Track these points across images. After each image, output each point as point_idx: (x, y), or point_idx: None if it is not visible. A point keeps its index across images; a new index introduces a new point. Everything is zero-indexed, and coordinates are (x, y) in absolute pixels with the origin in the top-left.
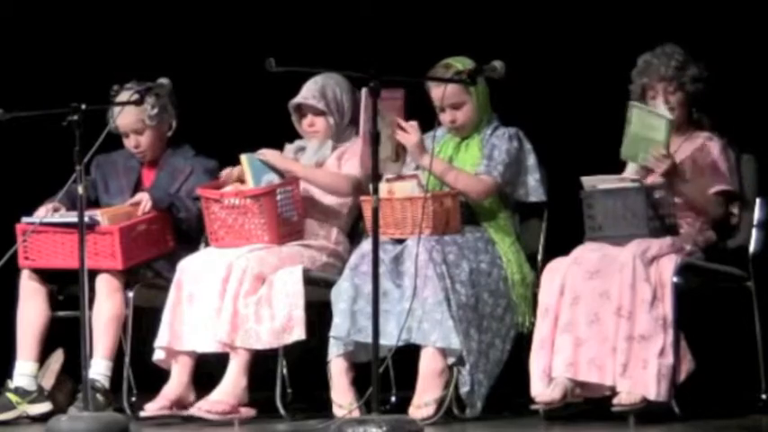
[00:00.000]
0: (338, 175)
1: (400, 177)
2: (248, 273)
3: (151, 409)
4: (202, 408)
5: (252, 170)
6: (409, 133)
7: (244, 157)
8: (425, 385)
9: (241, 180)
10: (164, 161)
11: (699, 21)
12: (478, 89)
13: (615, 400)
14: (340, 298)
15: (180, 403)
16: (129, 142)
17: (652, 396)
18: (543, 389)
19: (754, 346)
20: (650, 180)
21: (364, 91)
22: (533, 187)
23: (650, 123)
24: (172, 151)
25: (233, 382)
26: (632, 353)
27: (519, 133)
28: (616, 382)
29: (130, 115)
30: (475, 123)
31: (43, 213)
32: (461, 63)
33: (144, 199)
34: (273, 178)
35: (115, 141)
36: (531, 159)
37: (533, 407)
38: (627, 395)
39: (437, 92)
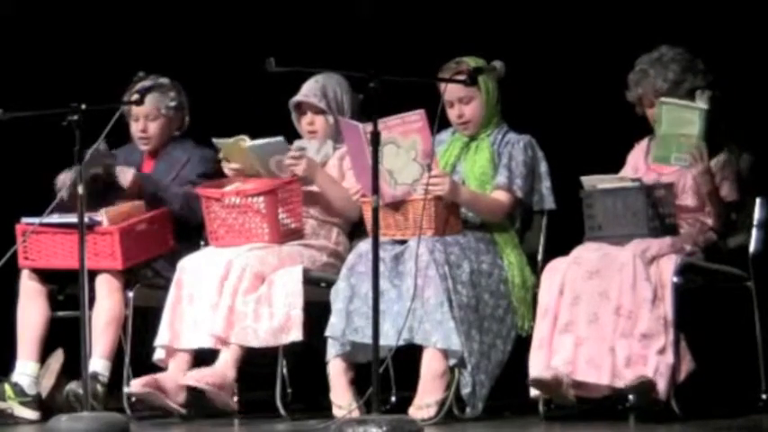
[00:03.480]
0: (350, 200)
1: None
2: (248, 271)
3: (136, 384)
4: (193, 376)
5: (257, 155)
6: (439, 185)
7: (247, 146)
8: (427, 387)
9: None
10: (164, 152)
11: (699, 21)
12: (488, 86)
13: (627, 384)
14: (337, 298)
15: (166, 393)
16: (138, 126)
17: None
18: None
19: (754, 346)
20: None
21: (345, 122)
22: (546, 195)
23: (683, 118)
24: (173, 144)
25: (221, 372)
26: (632, 350)
27: (532, 141)
28: (617, 377)
29: (149, 101)
30: (482, 121)
31: (62, 178)
32: (474, 61)
33: (129, 174)
34: (281, 159)
35: (116, 141)
36: (543, 167)
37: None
38: (635, 377)
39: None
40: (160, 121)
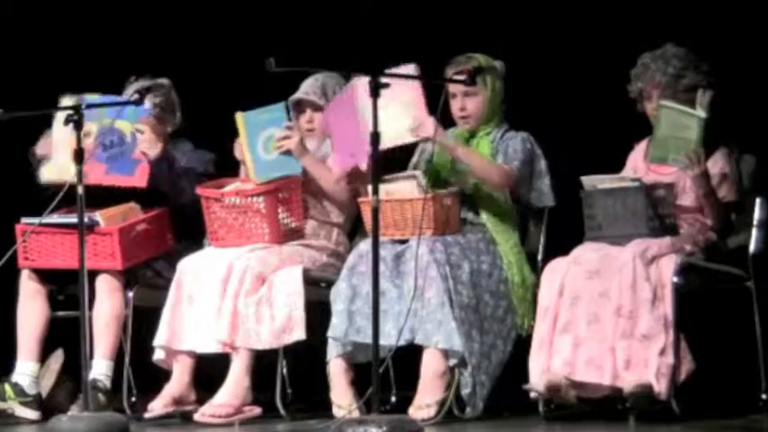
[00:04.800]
0: (338, 182)
1: (398, 178)
2: (249, 273)
3: (157, 407)
4: (206, 413)
5: (247, 128)
6: (426, 125)
7: (239, 116)
8: (427, 387)
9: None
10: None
11: (700, 20)
12: (494, 84)
13: (626, 390)
14: (338, 298)
15: (181, 402)
16: None
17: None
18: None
19: (754, 346)
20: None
21: (356, 83)
22: (545, 192)
23: (681, 123)
24: (172, 147)
25: (236, 383)
26: (633, 351)
27: (530, 137)
28: (618, 378)
29: None
30: (484, 117)
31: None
32: (484, 59)
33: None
34: (273, 133)
35: None
36: (542, 164)
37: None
38: (635, 382)
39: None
40: (150, 120)
